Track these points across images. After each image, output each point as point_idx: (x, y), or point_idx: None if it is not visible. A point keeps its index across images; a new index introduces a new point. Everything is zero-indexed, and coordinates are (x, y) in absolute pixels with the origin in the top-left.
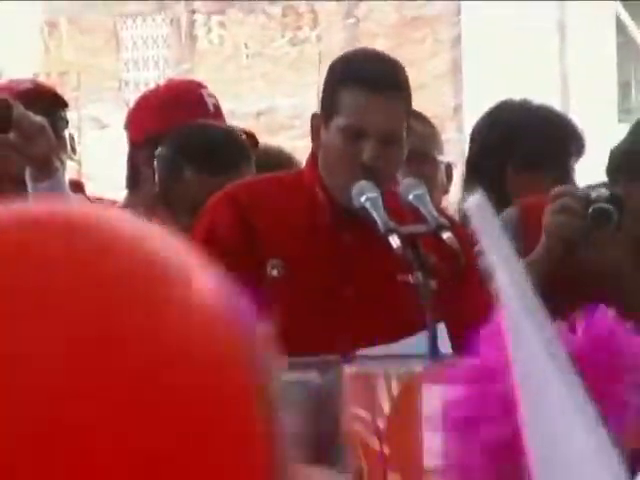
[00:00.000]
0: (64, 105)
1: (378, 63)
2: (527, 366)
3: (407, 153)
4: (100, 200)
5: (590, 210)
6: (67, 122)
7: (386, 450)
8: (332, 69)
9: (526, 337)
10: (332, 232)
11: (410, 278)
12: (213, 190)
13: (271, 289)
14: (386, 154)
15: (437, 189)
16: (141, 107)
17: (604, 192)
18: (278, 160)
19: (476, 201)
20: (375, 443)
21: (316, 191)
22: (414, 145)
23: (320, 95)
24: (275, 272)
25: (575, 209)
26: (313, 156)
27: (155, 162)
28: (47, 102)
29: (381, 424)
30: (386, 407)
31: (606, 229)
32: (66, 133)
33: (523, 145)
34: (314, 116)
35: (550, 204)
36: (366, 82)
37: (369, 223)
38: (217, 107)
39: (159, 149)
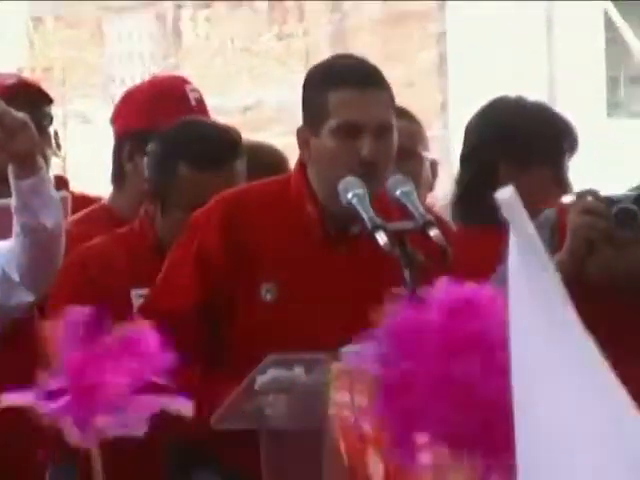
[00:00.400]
0: (49, 101)
1: (356, 63)
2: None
3: None
4: (85, 197)
5: (615, 210)
6: (52, 118)
7: (366, 429)
8: (312, 79)
9: (531, 322)
10: (324, 248)
11: (403, 288)
12: (207, 185)
13: (265, 312)
14: (382, 147)
15: (422, 186)
16: (125, 103)
17: (630, 193)
18: (270, 159)
19: (507, 194)
20: (355, 423)
21: (305, 206)
22: (400, 142)
23: (303, 108)
24: (269, 296)
25: (599, 210)
26: (301, 168)
27: (145, 158)
28: (31, 98)
29: (363, 404)
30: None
31: (631, 230)
32: (51, 129)
33: (516, 142)
34: (300, 130)
35: (574, 204)
36: (352, 80)
37: (361, 236)
38: (200, 102)
39: (150, 145)
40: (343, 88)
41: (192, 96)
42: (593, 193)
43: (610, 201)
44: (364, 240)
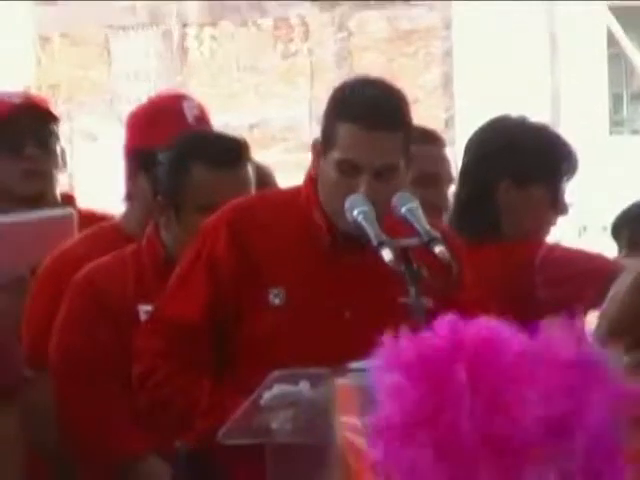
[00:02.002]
0: (55, 119)
1: (377, 99)
2: None
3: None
4: (92, 214)
5: None
6: (58, 136)
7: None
8: (333, 99)
9: None
10: (331, 256)
11: (408, 300)
12: (222, 185)
13: (273, 316)
14: (381, 187)
15: (445, 209)
16: (128, 122)
17: None
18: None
19: None
20: (365, 446)
21: (314, 215)
22: (423, 168)
23: (321, 123)
24: (277, 300)
25: None
26: (312, 180)
27: (157, 170)
28: (38, 116)
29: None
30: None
31: None
32: (57, 147)
33: (516, 162)
34: (315, 143)
35: None
36: (362, 119)
37: (368, 246)
38: (199, 118)
39: (161, 156)
40: (352, 123)
41: (190, 113)
42: None
43: None
44: (371, 250)
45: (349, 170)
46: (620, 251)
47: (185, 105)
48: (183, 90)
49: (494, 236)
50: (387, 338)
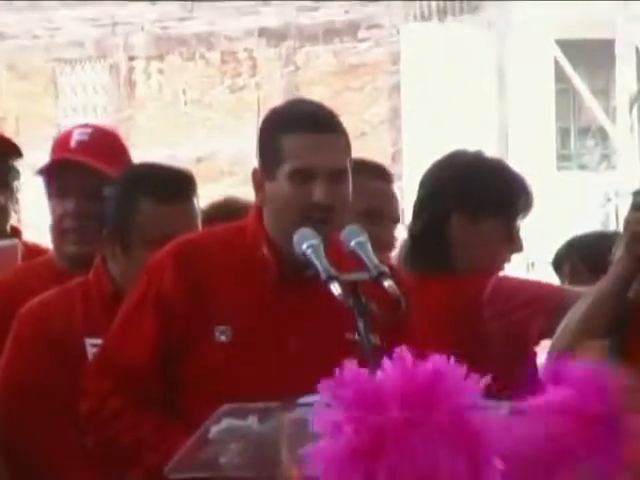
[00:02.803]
0: (18, 155)
1: (313, 107)
2: None
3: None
4: (37, 247)
5: None
6: (18, 173)
7: None
8: (268, 123)
9: None
10: (279, 290)
11: (356, 336)
12: (169, 219)
13: (219, 353)
14: (336, 192)
15: (385, 248)
16: None
17: None
18: (237, 210)
19: None
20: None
21: (261, 249)
22: (370, 204)
23: (258, 152)
24: (223, 338)
25: None
26: (258, 211)
27: (104, 204)
28: (1, 150)
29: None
30: None
31: None
32: (15, 184)
33: (469, 196)
34: (255, 172)
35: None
36: (307, 126)
37: (317, 278)
38: (82, 143)
39: (106, 190)
40: (297, 133)
41: (77, 138)
42: None
43: None
44: (319, 284)
45: (302, 179)
46: (562, 283)
47: (78, 130)
48: (130, 123)
49: (446, 270)
50: (331, 374)
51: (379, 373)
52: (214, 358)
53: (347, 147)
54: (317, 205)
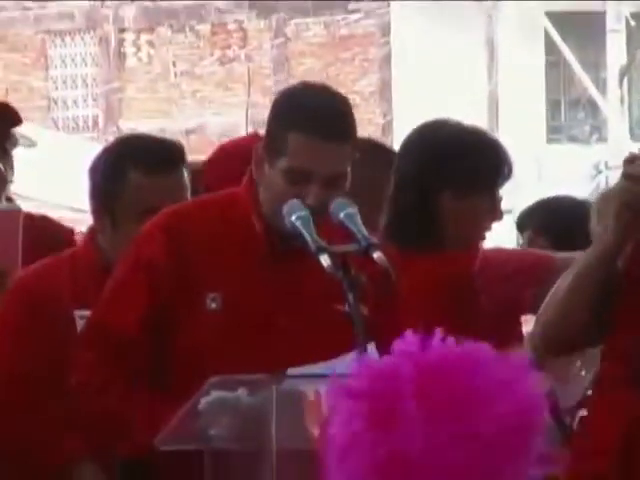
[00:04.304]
0: (18, 121)
1: (328, 109)
2: None
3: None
4: (30, 217)
5: None
6: (17, 140)
7: None
8: (279, 107)
9: None
10: (269, 261)
11: (346, 307)
12: (158, 190)
13: (209, 320)
14: (329, 196)
15: None
16: None
17: None
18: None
19: None
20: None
21: (253, 220)
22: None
23: (266, 130)
24: (214, 305)
25: (638, 174)
26: (251, 183)
27: (91, 176)
28: (1, 116)
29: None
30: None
31: None
32: (13, 150)
33: (459, 173)
34: (258, 149)
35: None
36: (316, 128)
37: (306, 252)
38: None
39: (93, 162)
40: (304, 133)
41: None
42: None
43: None
44: (309, 257)
45: (298, 178)
46: (523, 243)
47: None
48: (120, 95)
49: (434, 245)
50: (320, 346)
51: (388, 358)
52: (204, 326)
53: (351, 151)
54: (308, 207)
